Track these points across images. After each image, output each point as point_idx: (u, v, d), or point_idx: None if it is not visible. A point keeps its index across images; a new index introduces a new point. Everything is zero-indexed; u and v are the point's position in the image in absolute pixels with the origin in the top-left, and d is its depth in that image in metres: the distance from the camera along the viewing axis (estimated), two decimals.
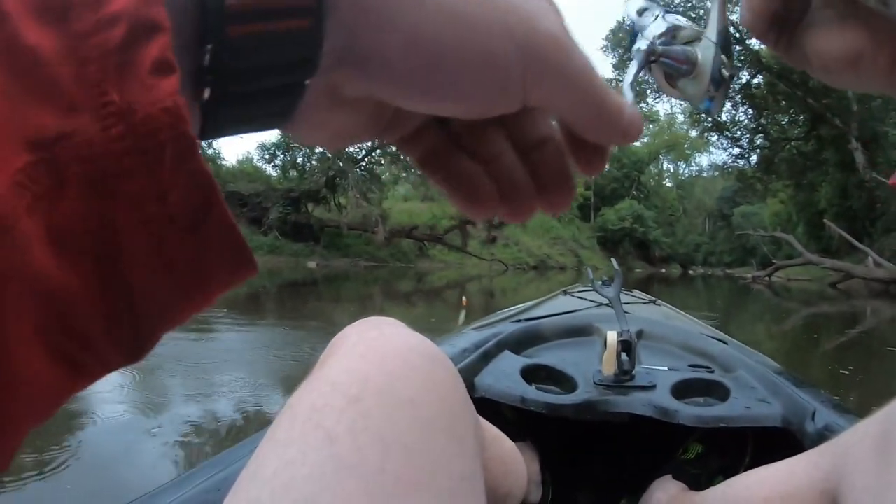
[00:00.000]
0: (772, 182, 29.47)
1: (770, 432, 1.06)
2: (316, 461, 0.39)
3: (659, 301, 2.31)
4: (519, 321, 1.55)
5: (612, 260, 1.56)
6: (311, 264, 18.57)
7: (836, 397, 1.11)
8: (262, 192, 21.06)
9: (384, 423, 0.42)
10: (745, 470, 0.83)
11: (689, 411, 1.05)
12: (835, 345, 7.24)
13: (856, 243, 17.76)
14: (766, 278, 23.09)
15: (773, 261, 24.36)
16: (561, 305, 1.86)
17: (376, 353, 0.48)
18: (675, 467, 1.13)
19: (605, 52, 33.04)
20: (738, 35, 18.58)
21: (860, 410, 0.61)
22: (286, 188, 22.61)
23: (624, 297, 2.11)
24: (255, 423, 2.93)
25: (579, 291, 2.25)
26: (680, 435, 1.17)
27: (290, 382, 3.75)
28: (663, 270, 41.33)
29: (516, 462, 0.85)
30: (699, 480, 1.04)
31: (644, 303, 2.20)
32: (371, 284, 15.52)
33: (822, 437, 0.92)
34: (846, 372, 5.05)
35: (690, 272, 42.09)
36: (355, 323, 0.55)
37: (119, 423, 2.87)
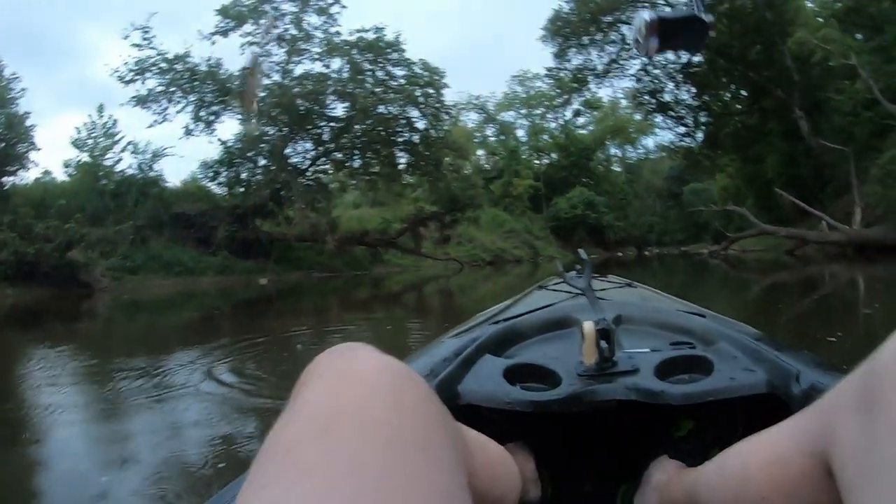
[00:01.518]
0: (718, 157, 30.16)
1: (758, 399, 1.07)
2: (293, 499, 0.40)
3: (635, 283, 2.33)
4: (497, 322, 1.55)
5: (580, 250, 1.55)
6: (263, 281, 18.29)
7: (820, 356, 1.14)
8: (207, 211, 20.60)
9: (356, 450, 0.43)
10: (739, 439, 0.83)
11: (675, 390, 1.07)
12: (812, 310, 7.43)
13: (809, 209, 18.20)
14: (723, 252, 23.70)
15: (727, 234, 24.99)
16: (537, 301, 1.85)
17: (344, 381, 0.49)
18: (669, 446, 1.16)
19: (543, 41, 33.34)
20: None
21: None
22: (232, 205, 22.19)
23: (599, 284, 2.13)
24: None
25: (554, 284, 2.24)
26: (672, 413, 1.19)
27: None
28: (619, 254, 41.93)
29: (505, 465, 0.87)
30: (695, 456, 1.05)
31: (620, 286, 2.21)
32: (327, 295, 15.41)
33: (808, 397, 0.92)
34: (834, 339, 5.19)
35: (646, 253, 42.92)
36: (325, 351, 0.55)
37: None
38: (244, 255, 20.09)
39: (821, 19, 17.92)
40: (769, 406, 1.05)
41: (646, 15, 0.94)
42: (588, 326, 1.13)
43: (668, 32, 0.99)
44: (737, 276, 14.82)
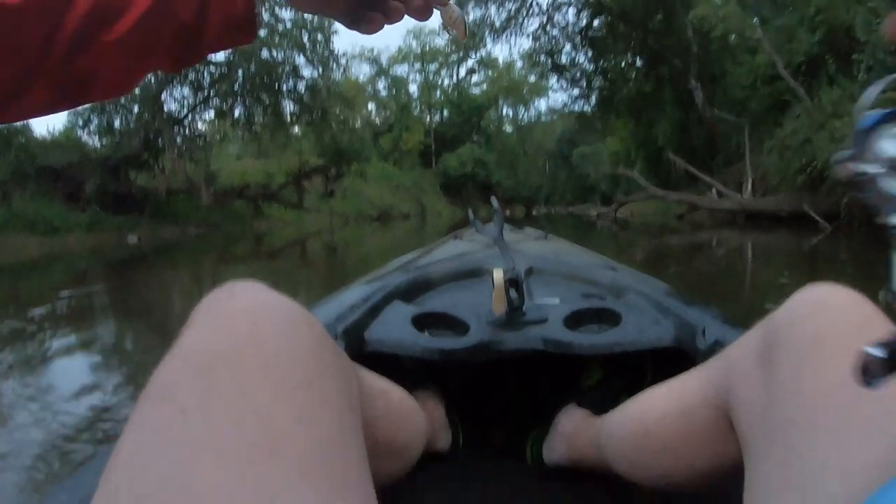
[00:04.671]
0: (610, 121, 31.06)
1: (666, 351, 1.11)
2: (169, 439, 0.40)
3: (550, 236, 2.39)
4: (408, 270, 1.57)
5: (493, 199, 1.53)
6: (133, 239, 17.51)
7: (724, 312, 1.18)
8: (77, 163, 19.35)
9: (235, 391, 0.43)
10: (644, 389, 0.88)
11: (583, 340, 1.10)
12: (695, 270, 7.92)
13: (700, 175, 18.76)
14: (613, 214, 24.21)
15: (614, 198, 25.75)
16: (450, 250, 1.89)
17: (226, 319, 0.48)
18: (578, 395, 1.21)
19: None
20: None
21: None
22: (103, 156, 20.91)
23: (515, 235, 2.22)
24: None
25: (469, 235, 2.28)
26: (582, 363, 1.25)
27: None
28: (508, 212, 42.74)
29: (409, 412, 0.86)
30: (603, 404, 1.06)
31: (535, 239, 2.27)
32: (204, 253, 14.88)
33: (712, 352, 0.95)
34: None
35: (534, 212, 44.08)
36: (214, 290, 0.54)
37: None
38: (116, 210, 19.19)
39: None
40: (675, 359, 1.08)
41: None
42: (498, 275, 1.15)
43: None
44: (625, 238, 15.25)
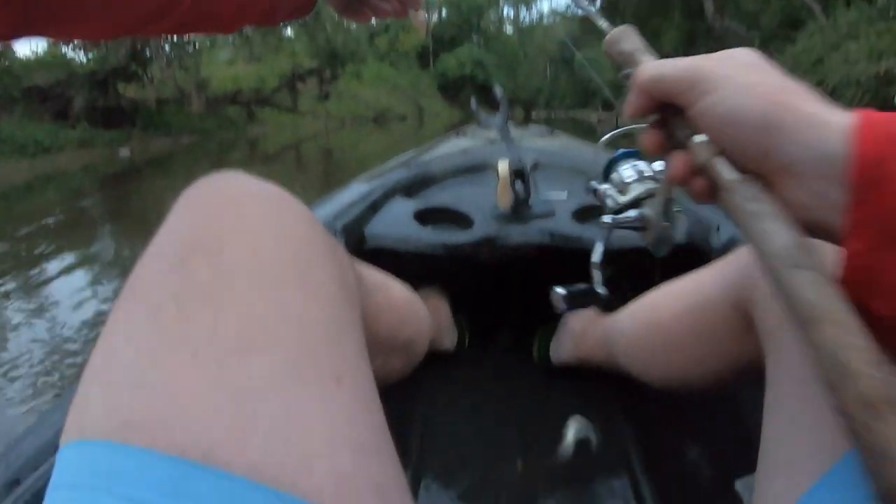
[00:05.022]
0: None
1: (676, 249, 1.13)
2: (141, 339, 0.37)
3: (557, 132, 2.33)
4: (409, 167, 1.52)
5: (496, 87, 1.41)
6: (124, 152, 17.23)
7: None
8: (64, 80, 18.82)
9: (213, 281, 0.40)
10: (655, 287, 0.85)
11: (592, 234, 1.06)
12: None
13: None
14: (615, 120, 24.18)
15: (616, 104, 25.51)
16: (453, 146, 1.85)
17: (205, 208, 0.44)
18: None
19: None
20: None
21: None
22: (90, 70, 20.29)
23: (519, 131, 2.12)
24: None
25: (472, 131, 2.23)
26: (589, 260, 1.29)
27: None
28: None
29: (411, 307, 0.83)
30: (611, 302, 1.06)
31: (541, 135, 2.22)
32: (197, 161, 14.76)
33: (727, 250, 0.92)
34: None
35: (533, 116, 43.50)
36: (197, 181, 0.49)
37: None
38: (106, 125, 18.79)
39: None
40: (686, 257, 1.04)
41: None
42: (502, 167, 1.11)
43: None
44: (625, 144, 15.44)
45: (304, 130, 26.20)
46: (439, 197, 1.34)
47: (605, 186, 0.74)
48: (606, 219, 0.69)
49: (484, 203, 1.20)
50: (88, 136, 17.56)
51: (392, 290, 0.77)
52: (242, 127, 25.39)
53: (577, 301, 0.86)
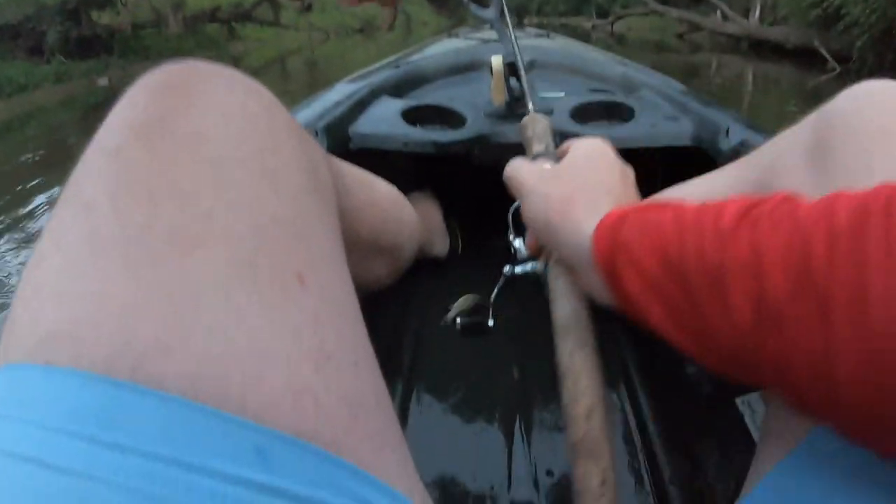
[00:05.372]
0: None
1: (680, 152, 1.02)
2: (71, 244, 0.33)
3: (554, 34, 2.24)
4: (398, 66, 1.46)
5: None
6: (103, 81, 17.13)
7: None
8: (33, 15, 18.53)
9: (153, 170, 0.34)
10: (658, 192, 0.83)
11: (592, 133, 0.97)
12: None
13: None
14: (609, 27, 23.11)
15: (611, 11, 24.36)
16: (445, 46, 1.79)
17: (149, 94, 0.39)
18: None
19: None
20: None
21: None
22: (60, 1, 19.93)
23: (516, 33, 1.86)
24: None
25: (466, 32, 2.14)
26: None
27: None
28: None
29: (397, 206, 0.79)
30: None
31: (536, 36, 2.15)
32: None
33: (737, 153, 0.88)
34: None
35: (525, 22, 42.27)
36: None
37: None
38: (82, 56, 18.59)
39: None
40: (690, 160, 0.99)
41: None
42: (496, 61, 1.04)
43: None
44: (621, 52, 15.07)
45: (288, 44, 25.64)
46: (430, 96, 1.28)
47: (517, 242, 0.85)
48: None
49: (477, 101, 1.14)
50: (64, 69, 17.40)
51: (376, 187, 0.72)
52: (223, 45, 25.00)
53: None
